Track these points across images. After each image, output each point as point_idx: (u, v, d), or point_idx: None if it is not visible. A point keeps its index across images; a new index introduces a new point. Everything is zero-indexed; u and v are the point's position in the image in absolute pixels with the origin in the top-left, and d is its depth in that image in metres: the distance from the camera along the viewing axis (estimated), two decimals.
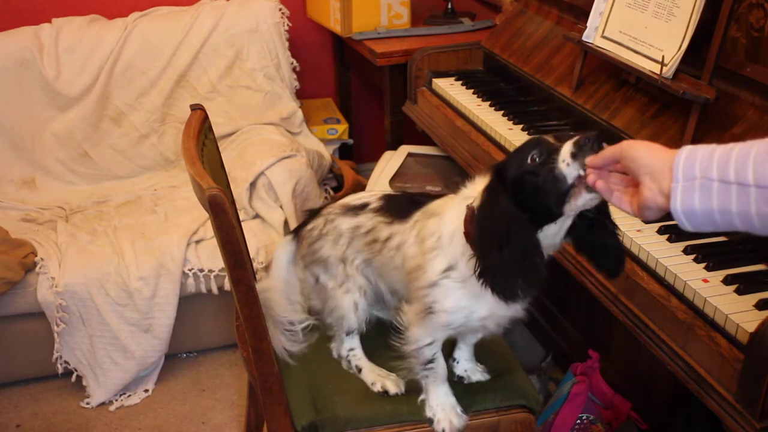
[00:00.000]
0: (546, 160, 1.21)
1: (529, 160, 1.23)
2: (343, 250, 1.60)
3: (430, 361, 1.46)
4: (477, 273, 1.27)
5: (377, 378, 1.59)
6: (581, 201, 1.19)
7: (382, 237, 1.53)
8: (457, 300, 1.37)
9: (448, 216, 1.39)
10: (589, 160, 1.14)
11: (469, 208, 1.34)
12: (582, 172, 1.16)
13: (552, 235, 1.28)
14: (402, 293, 1.55)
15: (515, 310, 1.40)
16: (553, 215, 1.24)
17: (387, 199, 1.59)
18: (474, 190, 1.38)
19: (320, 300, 1.68)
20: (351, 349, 1.65)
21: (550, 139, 1.24)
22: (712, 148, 0.99)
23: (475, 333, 1.56)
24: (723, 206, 0.96)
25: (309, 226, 1.67)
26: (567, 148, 1.18)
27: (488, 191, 1.29)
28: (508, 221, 1.24)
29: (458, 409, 1.51)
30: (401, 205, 1.55)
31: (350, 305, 1.61)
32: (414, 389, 1.57)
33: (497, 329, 1.49)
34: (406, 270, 1.46)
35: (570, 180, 1.18)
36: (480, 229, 1.28)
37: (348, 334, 1.64)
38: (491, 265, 1.25)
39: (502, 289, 1.26)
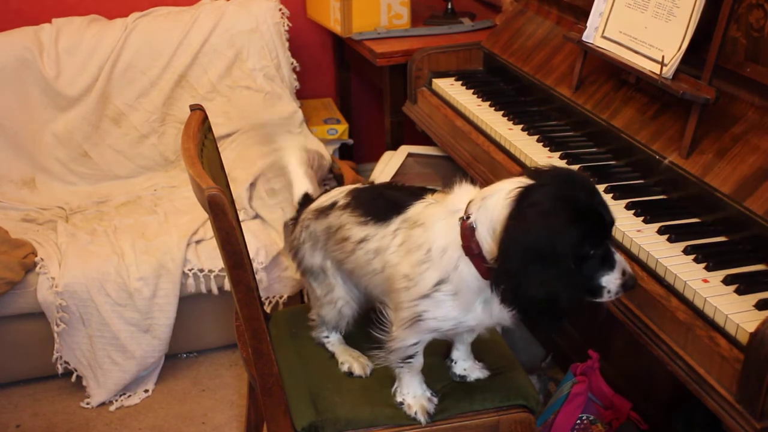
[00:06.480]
0: (595, 268, 1.27)
1: (580, 246, 1.24)
2: (321, 256, 1.65)
3: (410, 357, 1.48)
4: (502, 291, 1.26)
5: (347, 358, 1.67)
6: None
7: (354, 237, 1.53)
8: (449, 311, 1.38)
9: (437, 228, 1.37)
10: None
11: (465, 222, 1.32)
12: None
13: None
14: (377, 295, 1.55)
15: (503, 319, 1.39)
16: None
17: (354, 194, 1.60)
18: (459, 201, 1.36)
19: (311, 300, 1.75)
20: (326, 337, 1.73)
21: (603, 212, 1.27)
22: None
23: (470, 333, 1.57)
24: None
25: (292, 237, 1.73)
26: (616, 280, 1.27)
27: (541, 208, 1.22)
28: (565, 253, 1.22)
29: (428, 393, 1.54)
30: (372, 201, 1.54)
31: (334, 315, 1.68)
32: None
33: (485, 333, 1.54)
34: (387, 276, 1.46)
35: (603, 299, 1.29)
36: (521, 245, 1.22)
37: (329, 329, 1.72)
38: (528, 288, 1.23)
39: (532, 316, 1.29)
